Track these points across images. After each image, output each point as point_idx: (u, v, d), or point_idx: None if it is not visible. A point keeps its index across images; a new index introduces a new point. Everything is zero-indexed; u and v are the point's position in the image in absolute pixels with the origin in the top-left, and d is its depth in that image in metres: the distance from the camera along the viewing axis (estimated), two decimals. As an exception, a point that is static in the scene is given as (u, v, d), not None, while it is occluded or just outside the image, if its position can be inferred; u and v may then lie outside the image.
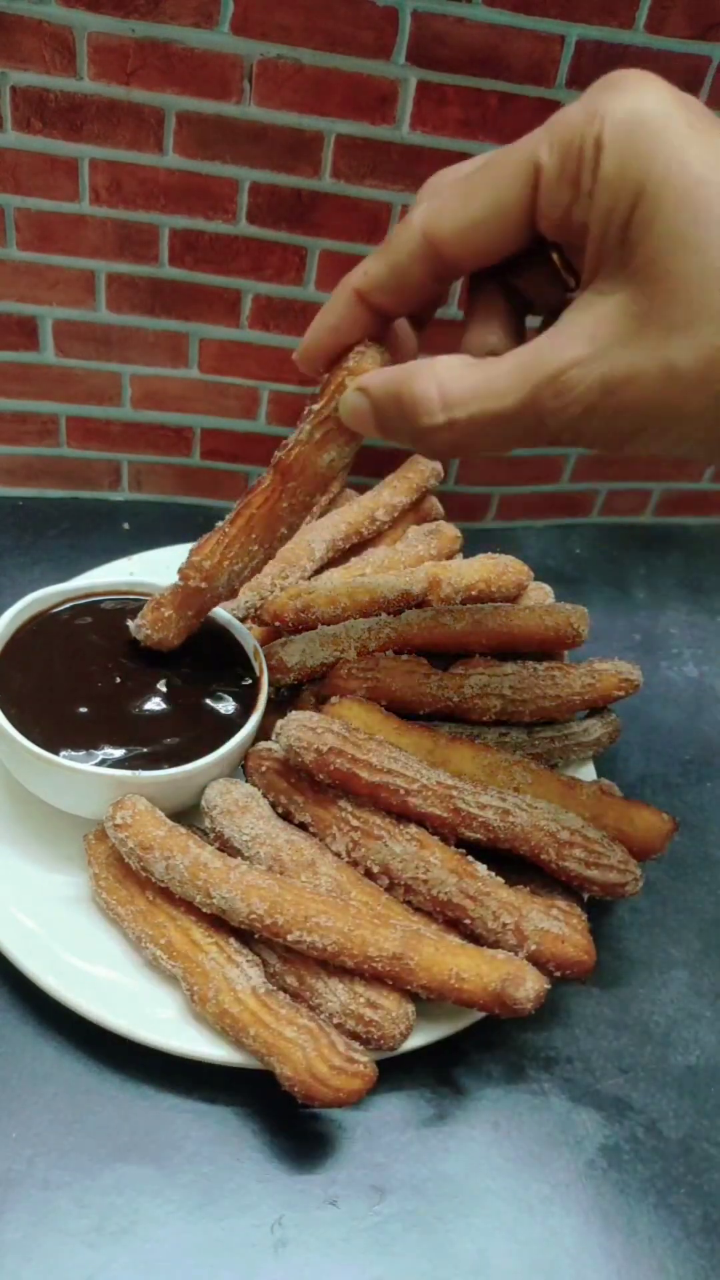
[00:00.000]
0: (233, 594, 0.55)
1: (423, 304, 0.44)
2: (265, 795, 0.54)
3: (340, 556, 0.69)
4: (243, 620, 0.61)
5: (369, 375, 0.43)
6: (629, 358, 0.34)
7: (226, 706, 0.56)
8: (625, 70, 0.36)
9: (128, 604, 0.60)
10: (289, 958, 0.48)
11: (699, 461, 0.48)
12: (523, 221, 0.38)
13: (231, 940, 0.49)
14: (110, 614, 0.59)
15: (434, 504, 0.74)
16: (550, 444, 0.38)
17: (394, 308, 0.43)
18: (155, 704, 0.55)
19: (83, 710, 0.54)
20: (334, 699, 0.57)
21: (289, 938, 0.47)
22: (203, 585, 0.54)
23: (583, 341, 0.35)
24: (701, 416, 0.34)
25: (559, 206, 0.36)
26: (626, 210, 0.34)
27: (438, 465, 0.73)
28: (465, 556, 0.69)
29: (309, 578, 0.66)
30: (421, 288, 0.42)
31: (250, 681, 0.57)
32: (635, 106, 0.35)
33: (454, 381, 0.38)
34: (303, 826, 0.53)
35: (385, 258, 0.42)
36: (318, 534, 0.67)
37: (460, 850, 0.51)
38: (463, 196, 0.39)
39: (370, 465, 0.73)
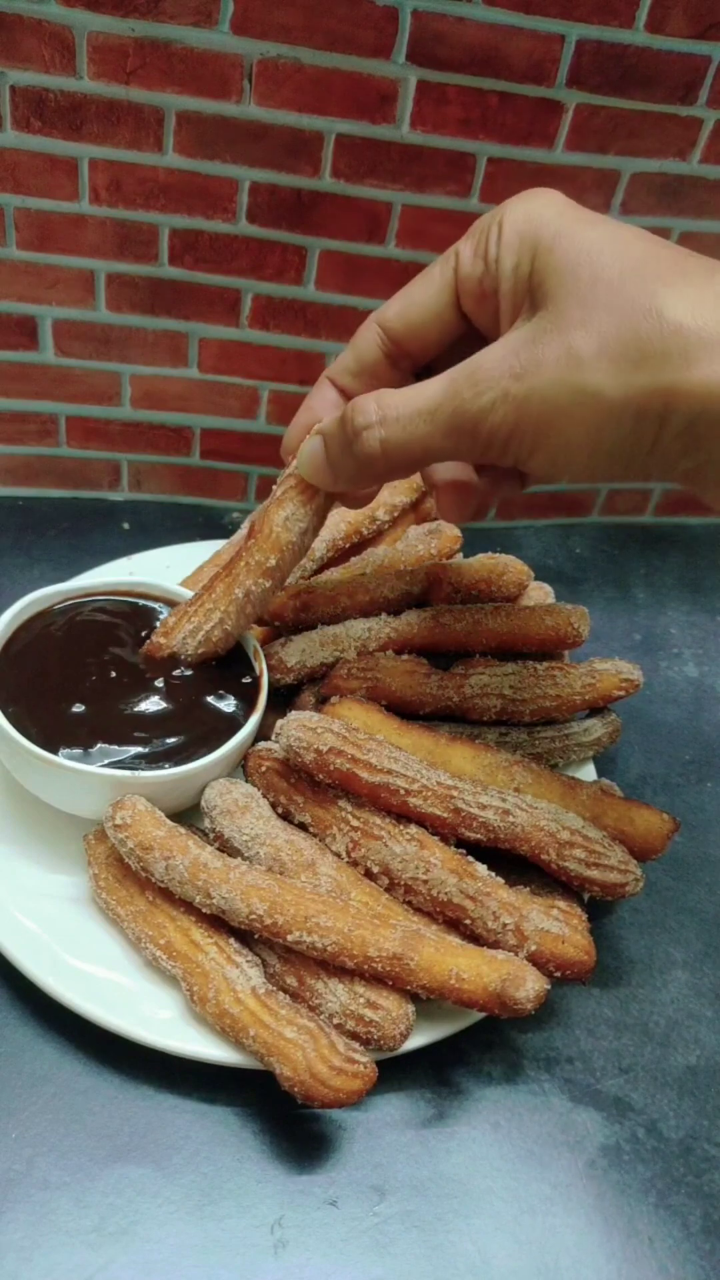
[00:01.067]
0: (198, 657, 0.56)
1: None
2: (265, 795, 0.54)
3: (340, 556, 0.69)
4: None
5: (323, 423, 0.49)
6: (536, 351, 0.39)
7: (226, 706, 0.56)
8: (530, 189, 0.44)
9: (128, 604, 0.60)
10: (289, 958, 0.48)
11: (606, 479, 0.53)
12: (450, 303, 0.46)
13: (231, 940, 0.49)
14: (110, 614, 0.59)
15: (434, 504, 0.74)
16: (480, 450, 0.42)
17: (361, 392, 0.47)
18: (155, 704, 0.55)
19: (82, 710, 0.54)
20: (334, 699, 0.57)
21: (289, 938, 0.47)
22: (160, 641, 0.57)
23: (498, 348, 0.41)
24: (600, 396, 0.38)
25: (473, 279, 0.44)
26: (527, 264, 0.41)
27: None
28: (465, 556, 0.69)
29: (309, 578, 0.66)
30: (383, 374, 0.49)
31: (250, 681, 0.57)
32: (529, 200, 0.43)
33: (390, 395, 0.44)
34: (302, 826, 0.53)
35: (351, 350, 0.49)
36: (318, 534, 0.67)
37: (460, 850, 0.51)
38: (404, 292, 0.48)
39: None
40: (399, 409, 0.43)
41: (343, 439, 0.46)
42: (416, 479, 0.72)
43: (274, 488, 0.53)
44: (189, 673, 0.56)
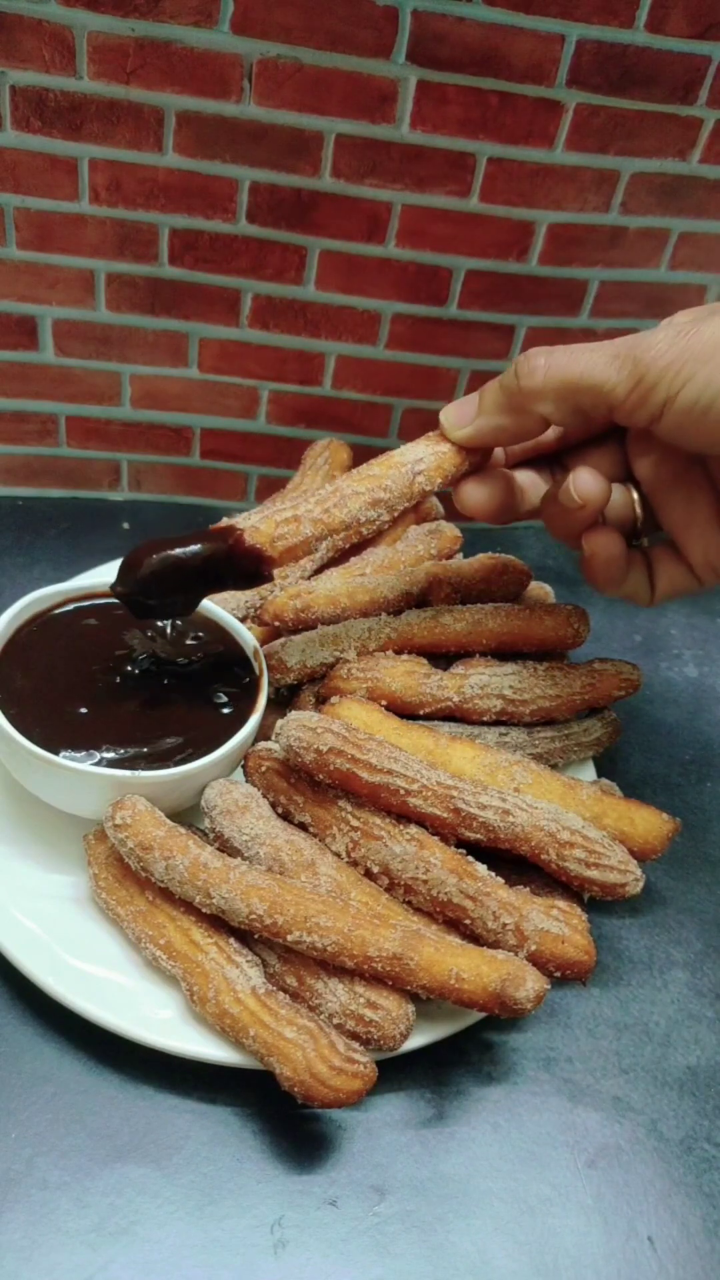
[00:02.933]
0: (282, 552, 0.53)
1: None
2: (265, 795, 0.54)
3: (340, 556, 0.69)
4: (243, 620, 0.61)
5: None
6: (706, 317, 0.46)
7: (226, 706, 0.56)
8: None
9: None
10: (289, 958, 0.48)
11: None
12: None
13: (231, 940, 0.49)
14: (110, 614, 0.59)
15: (434, 504, 0.74)
16: (635, 380, 0.46)
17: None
18: (155, 704, 0.55)
19: (82, 710, 0.54)
20: (334, 699, 0.57)
21: (289, 938, 0.47)
22: (256, 526, 0.53)
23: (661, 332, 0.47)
24: None
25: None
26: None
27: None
28: (465, 556, 0.69)
29: (309, 578, 0.66)
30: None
31: (250, 681, 0.57)
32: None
33: (557, 351, 0.49)
34: (302, 826, 0.53)
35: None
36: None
37: (460, 850, 0.51)
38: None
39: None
40: (564, 369, 0.48)
41: (507, 378, 0.50)
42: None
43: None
44: (190, 667, 0.56)
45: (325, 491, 0.53)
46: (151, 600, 0.53)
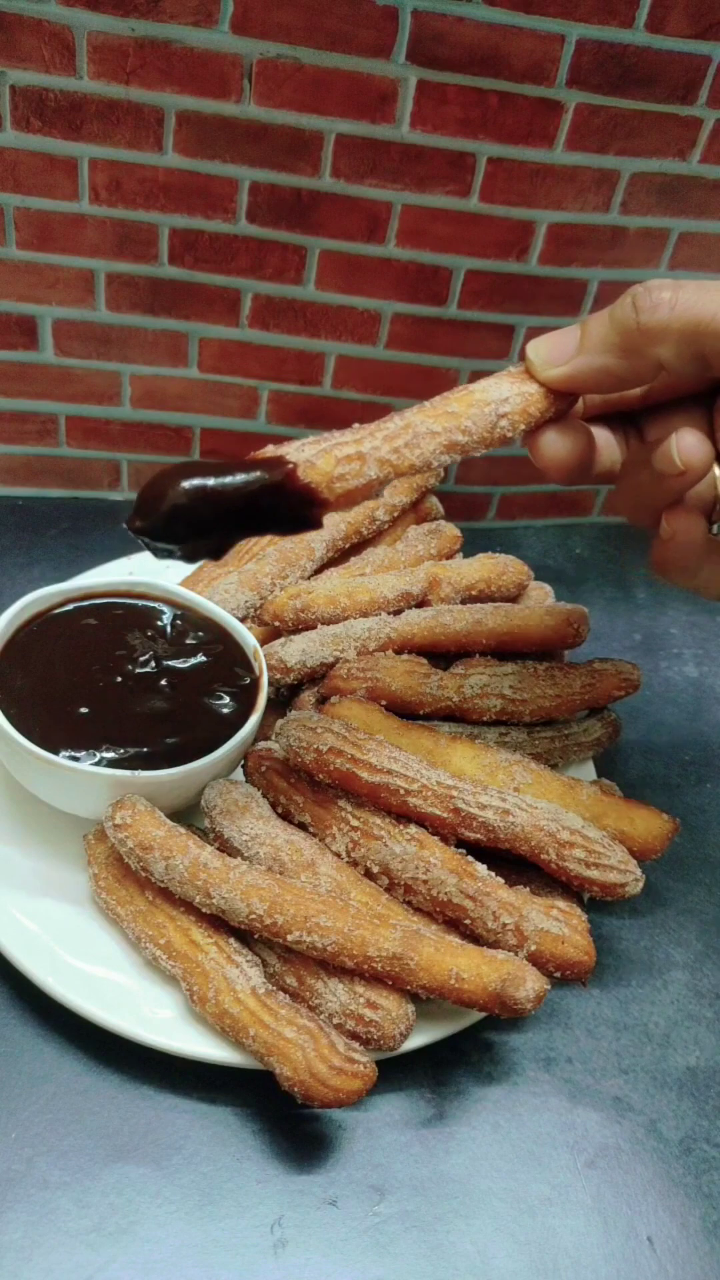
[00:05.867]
0: (340, 495, 0.44)
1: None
2: (265, 795, 0.54)
3: (340, 556, 0.69)
4: (243, 620, 0.61)
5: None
6: None
7: (226, 706, 0.56)
8: None
9: (127, 604, 0.60)
10: (289, 958, 0.48)
11: None
12: None
13: (231, 940, 0.49)
14: (110, 614, 0.59)
15: (434, 504, 0.74)
16: None
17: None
18: (155, 704, 0.55)
19: (82, 710, 0.54)
20: (334, 699, 0.57)
21: (289, 938, 0.47)
22: (307, 460, 0.44)
23: None
24: None
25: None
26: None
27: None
28: (465, 556, 0.69)
29: (309, 577, 0.66)
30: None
31: (250, 681, 0.57)
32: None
33: (687, 286, 0.42)
34: (302, 826, 0.53)
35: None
36: (318, 534, 0.67)
37: (460, 850, 0.51)
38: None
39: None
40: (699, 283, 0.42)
41: (622, 310, 0.43)
42: (417, 479, 0.72)
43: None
44: (189, 668, 0.56)
45: (394, 426, 0.45)
46: (174, 541, 0.43)
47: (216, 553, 0.45)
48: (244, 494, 0.42)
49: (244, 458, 0.43)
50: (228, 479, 0.42)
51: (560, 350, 0.45)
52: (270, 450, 0.44)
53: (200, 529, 0.43)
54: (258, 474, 0.42)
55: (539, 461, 0.47)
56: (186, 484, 0.42)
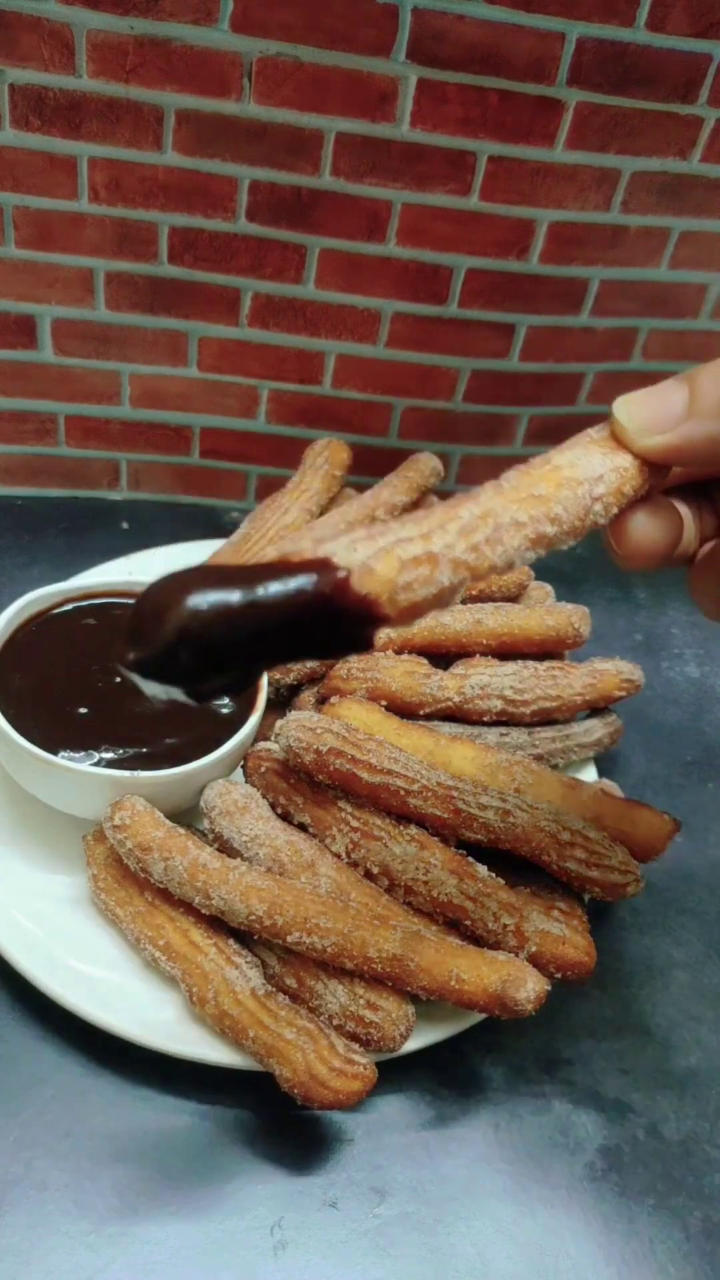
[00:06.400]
0: (401, 610, 0.32)
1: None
2: (264, 796, 0.54)
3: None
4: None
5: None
6: None
7: (226, 707, 0.56)
8: None
9: (128, 605, 0.60)
10: (288, 959, 0.48)
11: None
12: None
13: (231, 941, 0.49)
14: (110, 614, 0.59)
15: (434, 503, 0.73)
16: None
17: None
18: (154, 704, 0.54)
19: (82, 710, 0.54)
20: (334, 699, 0.57)
21: (288, 939, 0.46)
22: (368, 567, 0.32)
23: None
24: None
25: None
26: None
27: (437, 464, 0.72)
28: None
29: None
30: None
31: (250, 681, 0.57)
32: None
33: None
34: (302, 827, 0.53)
35: None
36: (318, 533, 0.67)
37: (460, 851, 0.51)
38: None
39: (370, 465, 0.73)
40: None
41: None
42: (416, 479, 0.72)
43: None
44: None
45: (469, 515, 0.34)
46: (181, 680, 0.32)
47: (235, 690, 0.34)
48: (280, 613, 0.30)
49: (275, 560, 0.31)
50: (259, 592, 0.30)
51: (664, 413, 0.36)
52: (307, 549, 0.32)
53: (217, 662, 0.31)
54: (298, 584, 0.30)
55: (624, 548, 0.38)
56: (200, 601, 0.30)
